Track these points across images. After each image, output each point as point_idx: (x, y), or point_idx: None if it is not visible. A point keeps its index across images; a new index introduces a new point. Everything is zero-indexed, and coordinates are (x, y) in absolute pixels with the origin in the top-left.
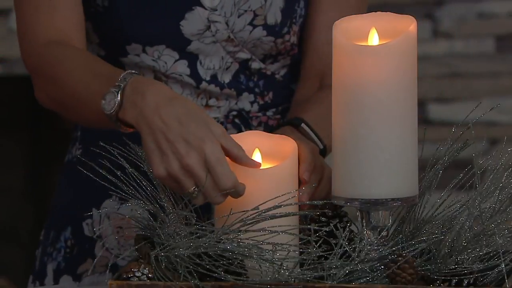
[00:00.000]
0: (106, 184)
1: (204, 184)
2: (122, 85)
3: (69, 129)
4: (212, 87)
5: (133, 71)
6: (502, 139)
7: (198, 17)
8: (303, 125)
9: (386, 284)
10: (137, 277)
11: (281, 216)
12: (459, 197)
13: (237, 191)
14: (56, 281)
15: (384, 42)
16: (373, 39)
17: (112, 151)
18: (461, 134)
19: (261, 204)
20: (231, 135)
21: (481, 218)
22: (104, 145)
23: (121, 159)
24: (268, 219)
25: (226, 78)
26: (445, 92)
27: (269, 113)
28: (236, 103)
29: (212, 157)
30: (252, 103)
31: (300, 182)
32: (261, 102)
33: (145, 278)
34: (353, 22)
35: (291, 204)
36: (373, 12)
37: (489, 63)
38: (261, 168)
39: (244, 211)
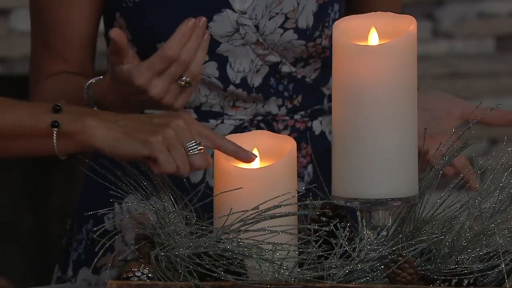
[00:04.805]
0: (108, 185)
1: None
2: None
3: None
4: (239, 91)
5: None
6: (502, 139)
7: (227, 19)
8: None
9: (386, 284)
10: (137, 277)
11: (280, 216)
12: (459, 197)
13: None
14: (75, 271)
15: (384, 42)
16: (373, 39)
17: None
18: (461, 134)
19: (261, 204)
20: (233, 135)
21: (481, 218)
22: None
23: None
24: (268, 219)
25: (256, 81)
26: (445, 92)
27: (297, 116)
28: (263, 106)
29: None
30: (280, 106)
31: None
32: (290, 105)
33: (145, 278)
34: (353, 22)
35: (291, 204)
36: (373, 12)
37: (489, 63)
38: (256, 167)
39: (244, 211)
